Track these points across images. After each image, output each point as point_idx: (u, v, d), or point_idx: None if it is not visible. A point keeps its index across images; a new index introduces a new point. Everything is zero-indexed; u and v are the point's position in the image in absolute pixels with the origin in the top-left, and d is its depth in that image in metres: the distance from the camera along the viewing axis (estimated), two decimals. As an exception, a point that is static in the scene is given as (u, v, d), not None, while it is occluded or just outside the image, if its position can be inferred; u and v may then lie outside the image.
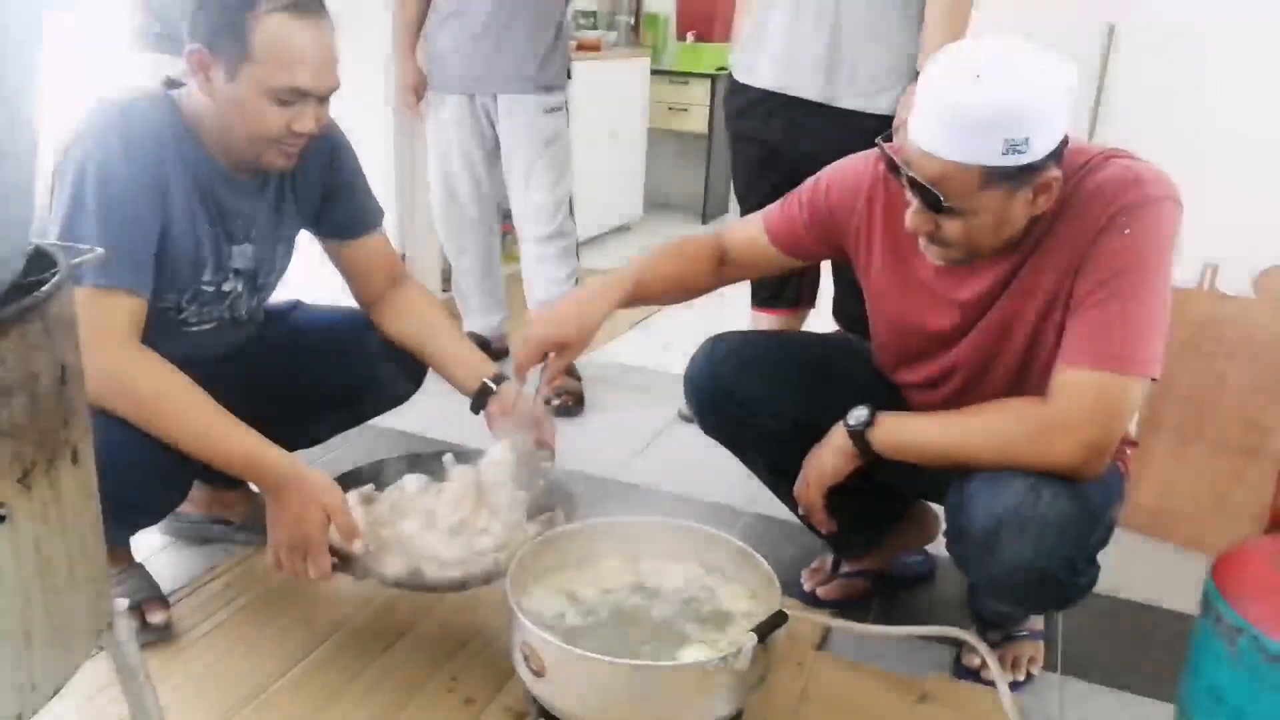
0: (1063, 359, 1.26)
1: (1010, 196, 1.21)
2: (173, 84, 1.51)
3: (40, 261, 0.69)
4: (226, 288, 1.56)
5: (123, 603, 0.81)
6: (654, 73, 4.81)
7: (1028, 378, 1.38)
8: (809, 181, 1.54)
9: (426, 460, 1.67)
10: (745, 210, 2.33)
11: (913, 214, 1.28)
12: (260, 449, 1.36)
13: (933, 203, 1.23)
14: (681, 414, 2.56)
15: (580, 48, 4.14)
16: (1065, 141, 1.22)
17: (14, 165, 0.60)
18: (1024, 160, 1.16)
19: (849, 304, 2.28)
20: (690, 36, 4.88)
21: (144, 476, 1.33)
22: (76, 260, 0.70)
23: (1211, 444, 1.94)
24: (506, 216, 2.73)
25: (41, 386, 0.60)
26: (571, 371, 2.65)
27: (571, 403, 2.56)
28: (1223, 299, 1.89)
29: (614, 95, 4.43)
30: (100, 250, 0.74)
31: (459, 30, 2.48)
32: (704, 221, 5.08)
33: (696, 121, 4.94)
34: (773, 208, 1.57)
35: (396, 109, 2.74)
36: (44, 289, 0.62)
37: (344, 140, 1.66)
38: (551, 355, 1.46)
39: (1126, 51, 2.21)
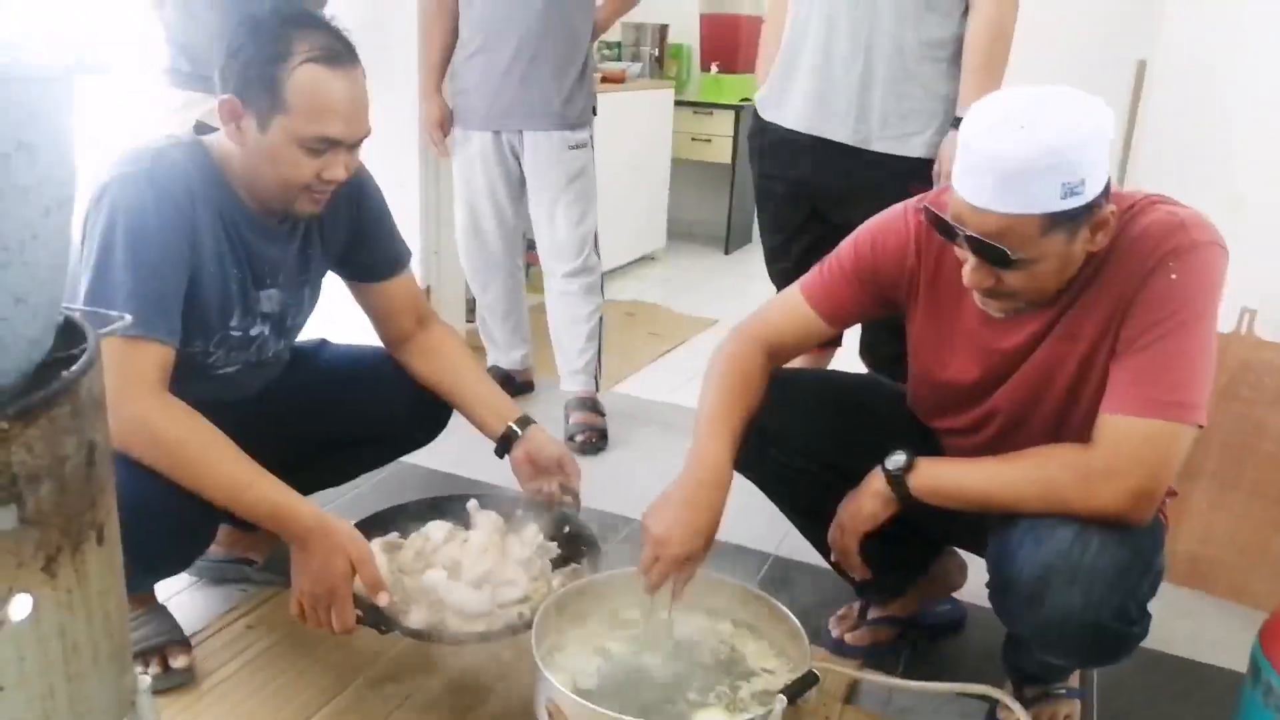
0: (1108, 405, 1.24)
1: (1072, 238, 1.20)
2: (203, 128, 1.51)
3: (69, 333, 0.68)
4: (254, 332, 1.56)
5: (145, 680, 0.79)
6: (678, 103, 4.82)
7: (1068, 423, 1.35)
8: (846, 243, 1.49)
9: (450, 503, 1.66)
10: (769, 247, 2.32)
11: (972, 270, 1.25)
12: (286, 500, 1.35)
13: (998, 258, 1.20)
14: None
15: (605, 80, 4.15)
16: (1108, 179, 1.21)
17: (47, 250, 0.59)
18: (1082, 201, 1.15)
19: (876, 343, 2.25)
20: (714, 68, 4.89)
21: (169, 526, 1.32)
22: (105, 331, 0.69)
23: (1251, 492, 1.90)
24: (531, 246, 2.73)
25: (69, 470, 0.59)
26: (595, 407, 2.64)
27: (595, 439, 2.54)
28: (1261, 345, 1.85)
29: (638, 126, 4.45)
30: (128, 317, 0.74)
31: (485, 67, 2.50)
32: (727, 252, 5.07)
33: (720, 152, 4.94)
34: (809, 279, 1.51)
35: (423, 144, 2.75)
36: (73, 369, 0.61)
37: (371, 182, 1.66)
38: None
39: (1158, 89, 2.18)
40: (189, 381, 1.43)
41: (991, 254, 1.20)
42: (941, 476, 1.34)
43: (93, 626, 0.63)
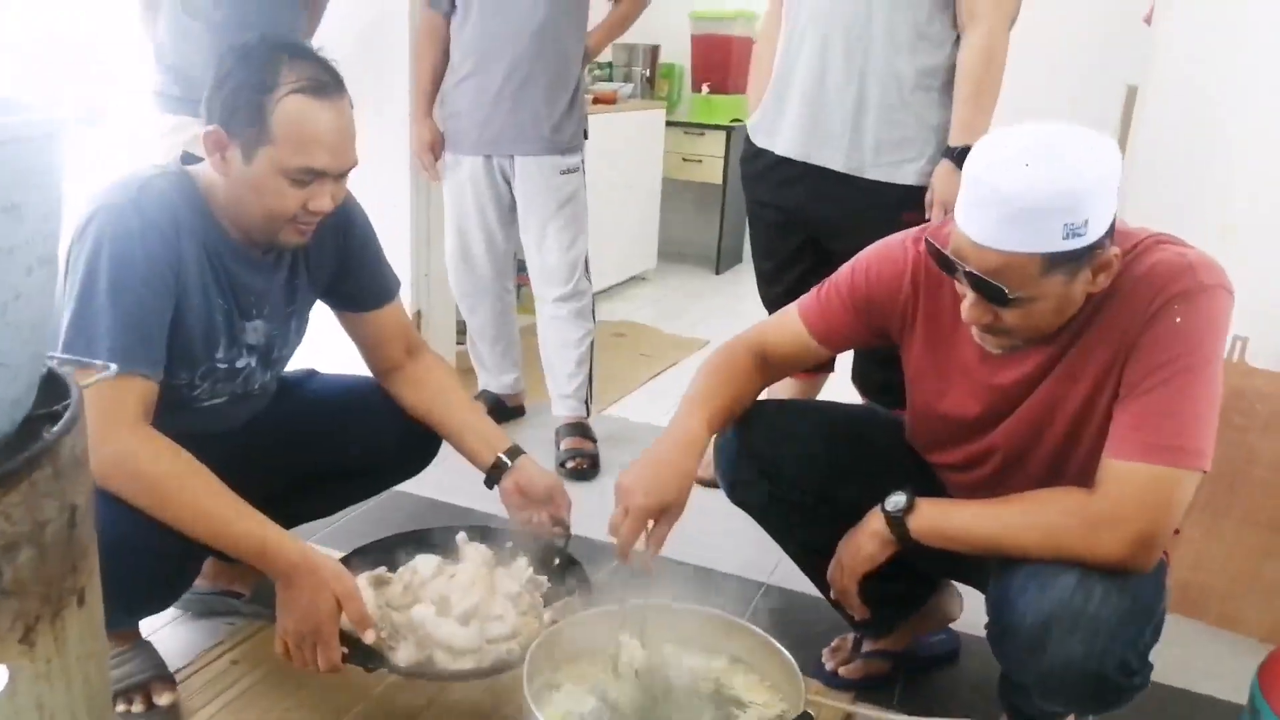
0: (1112, 449, 1.22)
1: (1072, 278, 1.19)
2: (190, 159, 1.50)
3: (51, 385, 0.66)
4: (240, 364, 1.54)
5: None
6: (669, 124, 4.82)
7: (1069, 463, 1.34)
8: (844, 270, 1.49)
9: (439, 535, 1.64)
10: (762, 273, 2.32)
11: (970, 306, 1.25)
12: (271, 537, 1.33)
13: (996, 296, 1.19)
14: (698, 478, 2.52)
15: (597, 100, 4.16)
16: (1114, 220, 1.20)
17: (31, 308, 0.58)
18: (1084, 242, 1.14)
19: (869, 370, 2.25)
20: (705, 88, 4.90)
21: (151, 564, 1.30)
22: (88, 383, 0.68)
23: (1243, 519, 1.90)
24: (522, 268, 2.72)
25: (49, 536, 0.57)
26: (586, 433, 2.62)
27: (586, 465, 2.53)
28: (1252, 372, 1.85)
29: (629, 147, 4.45)
30: (113, 367, 0.72)
31: (476, 91, 2.49)
32: (718, 272, 5.06)
33: (711, 172, 4.94)
34: (807, 302, 1.52)
35: (414, 167, 2.74)
36: (55, 429, 0.60)
37: (358, 210, 1.64)
38: (652, 522, 1.40)
39: (1150, 114, 2.18)
40: (174, 414, 1.41)
41: (990, 291, 1.19)
42: (941, 519, 1.32)
43: (72, 694, 0.61)
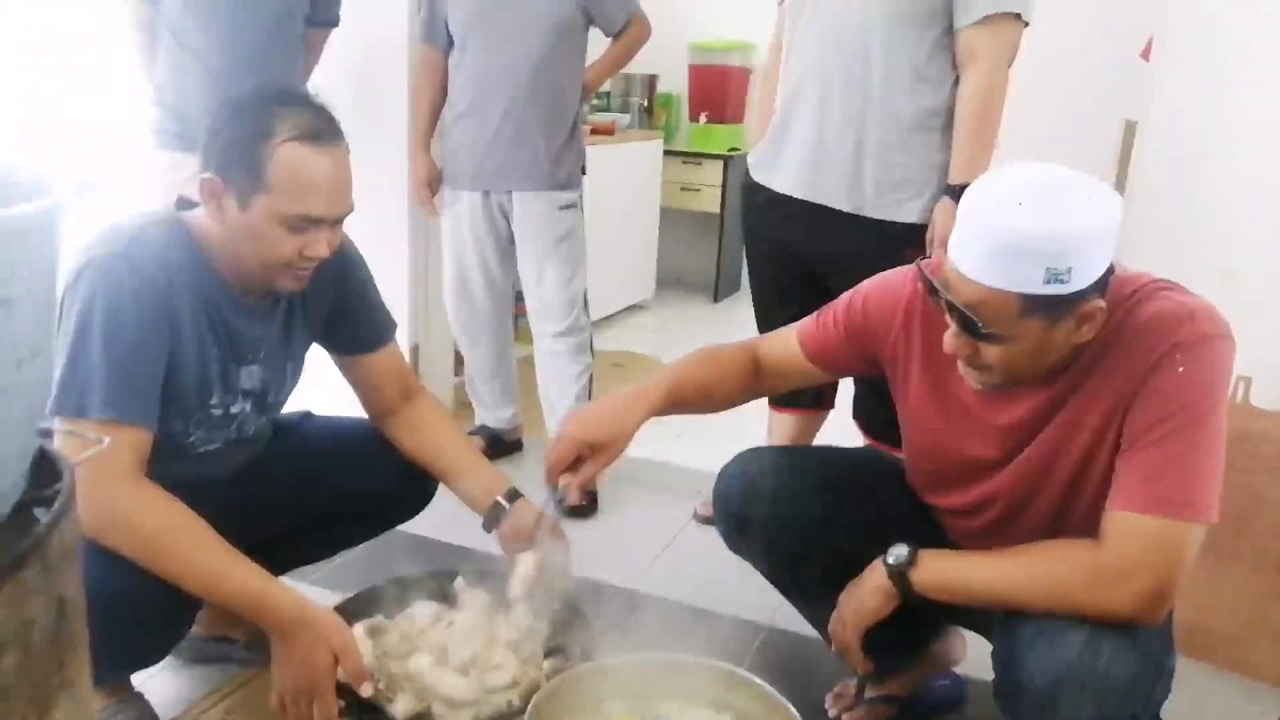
0: (1116, 501, 1.21)
1: (1051, 325, 1.18)
2: (185, 203, 1.49)
3: (42, 465, 0.65)
4: (234, 409, 1.53)
5: None
6: (666, 153, 4.83)
7: (1072, 512, 1.33)
8: (845, 296, 1.50)
9: (437, 580, 1.62)
10: (761, 307, 2.31)
11: (951, 336, 1.25)
12: (267, 589, 1.31)
13: (971, 329, 1.20)
14: (697, 514, 2.51)
15: (595, 131, 4.16)
16: (1111, 270, 1.19)
17: (20, 401, 0.56)
18: (1065, 290, 1.13)
19: (869, 404, 2.23)
20: (703, 118, 4.91)
21: (144, 618, 1.28)
22: (79, 459, 0.66)
23: (1250, 563, 1.88)
24: (519, 299, 2.71)
25: (36, 634, 0.55)
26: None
27: (585, 503, 2.50)
28: (1257, 413, 1.84)
29: (628, 177, 4.45)
30: (106, 441, 0.70)
31: (474, 127, 2.49)
32: (716, 300, 5.06)
33: (709, 201, 4.94)
34: (807, 321, 1.54)
35: (412, 201, 2.73)
36: (44, 522, 0.58)
37: (355, 253, 1.63)
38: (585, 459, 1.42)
39: (1149, 150, 2.18)
40: (168, 462, 1.39)
41: (965, 321, 1.20)
42: (945, 572, 1.31)
43: (59, 796, 0.59)
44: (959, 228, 1.19)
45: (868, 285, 1.49)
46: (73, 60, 2.44)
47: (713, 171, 4.90)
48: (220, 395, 1.49)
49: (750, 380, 1.55)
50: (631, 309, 4.75)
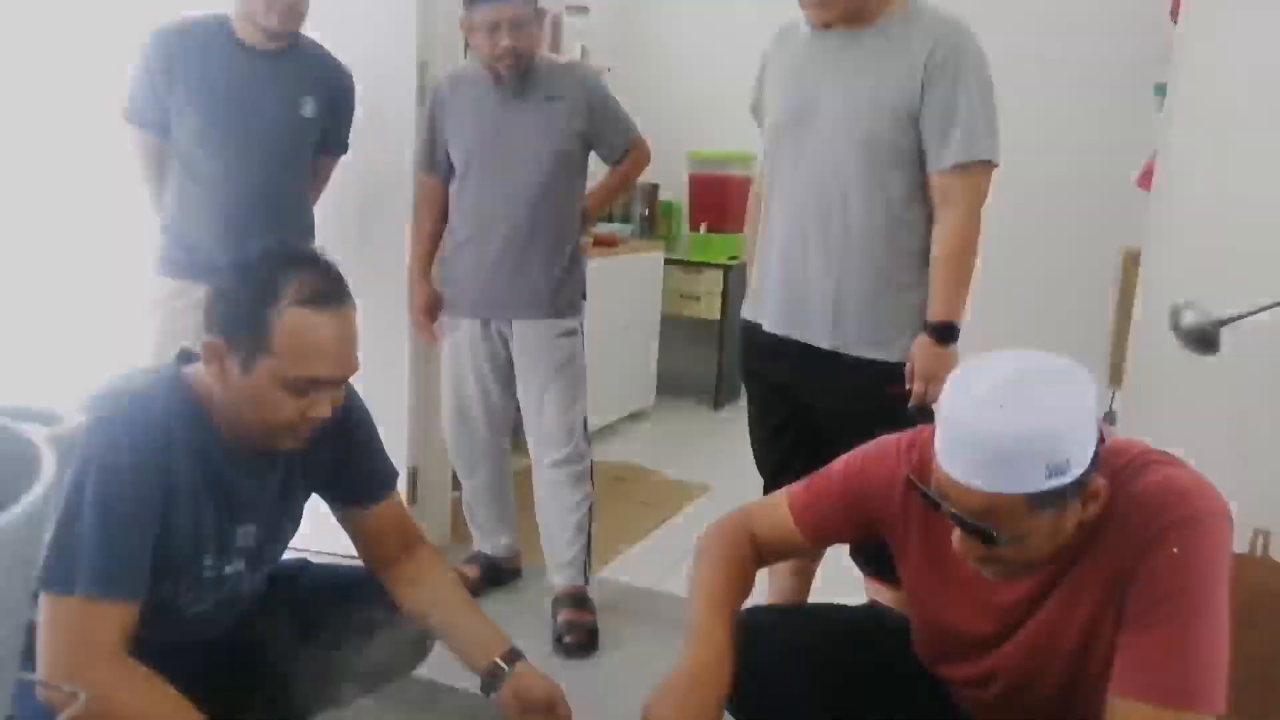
0: (1119, 687, 1.18)
1: (1061, 512, 1.17)
2: (187, 357, 1.47)
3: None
4: (228, 570, 1.48)
5: None
6: (667, 261, 4.87)
7: (1079, 686, 1.29)
8: (837, 465, 1.49)
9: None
10: (755, 440, 2.28)
11: (959, 540, 1.24)
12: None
13: (985, 537, 1.18)
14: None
15: (598, 243, 4.17)
16: (1101, 440, 1.18)
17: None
18: (1068, 479, 1.13)
19: (866, 545, 2.19)
20: (703, 227, 4.96)
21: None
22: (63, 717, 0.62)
23: (1276, 723, 1.81)
24: (518, 429, 2.68)
25: None
26: (584, 604, 2.53)
27: (584, 639, 2.43)
28: (1277, 568, 1.80)
29: (629, 287, 4.48)
30: (82, 696, 0.66)
31: (475, 256, 2.49)
32: (717, 408, 5.03)
33: (709, 309, 4.96)
34: (796, 492, 1.50)
35: (413, 327, 2.73)
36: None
37: (357, 403, 1.61)
38: None
39: (1154, 283, 2.16)
40: (156, 627, 1.34)
41: (978, 533, 1.18)
42: None
43: None
44: (943, 434, 1.18)
45: (860, 455, 1.47)
46: (80, 184, 2.46)
47: (713, 279, 4.92)
48: (215, 556, 1.45)
49: (756, 568, 1.53)
50: (632, 416, 4.72)
